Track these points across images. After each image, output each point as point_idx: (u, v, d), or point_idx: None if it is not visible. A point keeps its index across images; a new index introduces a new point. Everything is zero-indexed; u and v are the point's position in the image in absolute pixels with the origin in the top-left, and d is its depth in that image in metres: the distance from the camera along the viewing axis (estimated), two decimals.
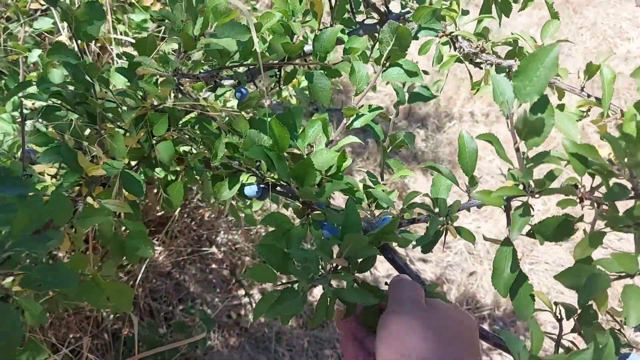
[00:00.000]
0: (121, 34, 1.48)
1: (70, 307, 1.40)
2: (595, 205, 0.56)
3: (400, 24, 0.62)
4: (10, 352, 0.45)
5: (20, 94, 0.85)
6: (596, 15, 3.49)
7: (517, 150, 0.57)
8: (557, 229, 0.58)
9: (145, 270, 1.49)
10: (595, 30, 3.40)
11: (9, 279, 0.96)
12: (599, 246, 0.56)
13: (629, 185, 0.53)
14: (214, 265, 1.65)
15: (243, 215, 1.56)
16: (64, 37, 1.07)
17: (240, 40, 0.65)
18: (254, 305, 1.62)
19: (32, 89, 0.82)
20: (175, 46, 1.21)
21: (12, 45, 1.05)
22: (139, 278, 1.38)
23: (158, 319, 1.50)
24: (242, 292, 1.66)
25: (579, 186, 0.56)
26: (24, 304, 0.60)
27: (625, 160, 0.52)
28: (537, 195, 0.55)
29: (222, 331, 1.58)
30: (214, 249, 1.65)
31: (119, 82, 0.87)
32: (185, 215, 1.64)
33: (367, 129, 0.78)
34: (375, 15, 0.93)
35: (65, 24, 0.87)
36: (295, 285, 0.51)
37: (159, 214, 1.50)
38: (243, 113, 0.69)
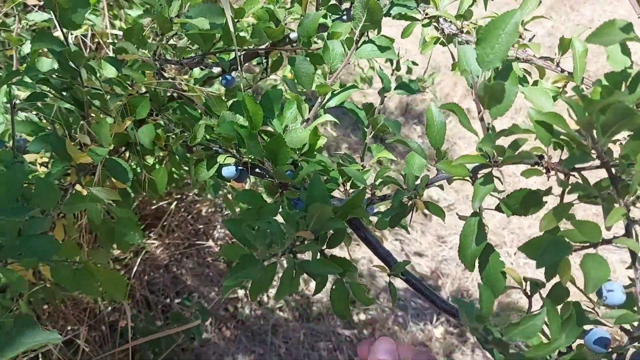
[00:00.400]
0: (119, 29, 1.51)
1: (67, 298, 1.43)
2: (563, 176, 0.57)
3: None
4: None
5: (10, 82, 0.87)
6: (593, 12, 3.49)
7: (481, 119, 0.58)
8: (523, 201, 0.59)
9: (142, 263, 1.51)
10: (593, 27, 3.40)
11: None
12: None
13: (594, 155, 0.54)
14: (210, 259, 1.67)
15: (238, 210, 1.58)
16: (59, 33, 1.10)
17: (216, 23, 0.67)
18: (250, 299, 1.64)
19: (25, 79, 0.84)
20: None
21: (6, 37, 1.08)
22: (134, 270, 1.40)
23: (155, 312, 1.52)
24: None
25: (545, 156, 0.57)
26: (4, 272, 0.62)
27: (586, 123, 0.52)
28: (500, 165, 0.56)
29: (219, 324, 1.59)
30: (210, 243, 1.67)
31: (110, 72, 0.89)
32: (182, 210, 1.66)
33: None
34: None
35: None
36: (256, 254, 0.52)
37: (154, 207, 1.52)
38: (222, 96, 0.70)
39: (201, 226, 1.69)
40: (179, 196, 1.58)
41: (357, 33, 0.66)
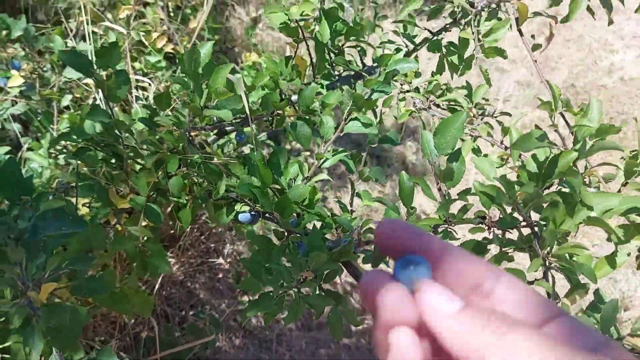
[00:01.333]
0: (140, 72, 1.69)
1: (98, 314, 1.61)
2: (500, 232, 0.75)
3: (354, 91, 0.82)
4: (73, 341, 0.65)
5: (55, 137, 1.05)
6: (583, 27, 3.65)
7: (439, 189, 0.76)
8: (473, 249, 0.77)
9: (161, 280, 1.68)
10: (582, 42, 3.57)
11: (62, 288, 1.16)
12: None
13: (521, 218, 0.72)
14: (220, 275, 1.84)
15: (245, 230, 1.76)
16: (98, 99, 1.28)
17: (236, 108, 0.85)
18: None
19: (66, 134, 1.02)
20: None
21: (48, 94, 1.26)
22: (156, 287, 1.58)
23: (173, 323, 1.70)
24: (245, 298, 1.86)
25: (487, 217, 0.75)
26: (75, 307, 0.80)
27: (517, 196, 0.71)
28: (454, 225, 0.74)
29: (229, 333, 1.77)
30: (220, 260, 1.85)
31: (141, 127, 1.07)
32: (195, 230, 1.84)
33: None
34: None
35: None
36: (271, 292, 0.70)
37: (172, 231, 1.70)
38: (236, 160, 0.88)
39: (212, 244, 1.87)
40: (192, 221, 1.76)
41: (345, 113, 0.84)
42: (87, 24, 1.41)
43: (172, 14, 1.70)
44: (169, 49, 1.64)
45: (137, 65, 1.73)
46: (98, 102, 1.26)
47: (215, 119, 0.99)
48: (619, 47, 3.50)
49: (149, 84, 1.56)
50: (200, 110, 0.84)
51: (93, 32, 1.48)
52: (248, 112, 0.83)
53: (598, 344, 0.26)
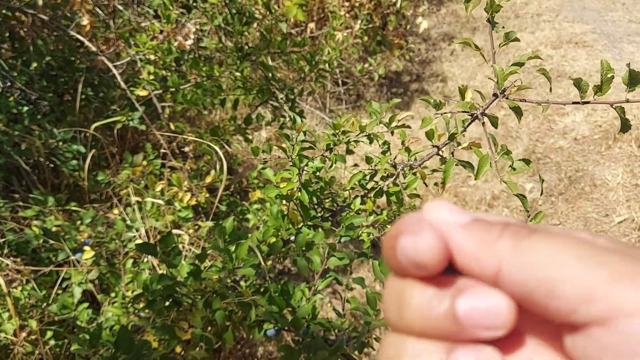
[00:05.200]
0: (172, 223, 2.16)
1: None
2: None
3: (330, 241, 1.27)
4: None
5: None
6: (537, 96, 4.18)
7: None
8: None
9: None
10: (537, 110, 4.08)
11: None
12: None
13: None
14: None
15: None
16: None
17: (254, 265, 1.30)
18: None
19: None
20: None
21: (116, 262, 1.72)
22: None
23: None
24: None
25: None
26: None
27: None
28: None
29: None
30: None
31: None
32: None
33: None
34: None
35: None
36: None
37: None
38: (259, 295, 1.31)
39: (247, 349, 2.26)
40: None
41: (325, 254, 1.28)
42: (131, 195, 1.91)
43: (192, 174, 2.20)
44: (193, 202, 2.12)
45: (170, 217, 2.21)
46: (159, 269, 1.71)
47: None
48: (569, 110, 4.01)
49: (182, 233, 2.03)
50: (232, 270, 1.29)
51: (137, 201, 1.97)
52: (263, 264, 1.28)
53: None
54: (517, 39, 0.95)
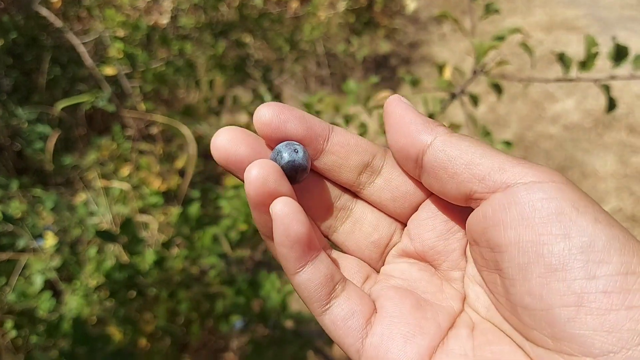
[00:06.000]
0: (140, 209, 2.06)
1: None
2: None
3: None
4: None
5: None
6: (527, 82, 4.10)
7: None
8: None
9: None
10: (526, 97, 4.01)
11: None
12: None
13: None
14: None
15: None
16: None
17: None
18: None
19: None
20: None
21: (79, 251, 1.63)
22: None
23: None
24: None
25: None
26: None
27: None
28: None
29: None
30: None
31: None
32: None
33: None
34: None
35: None
36: None
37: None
38: (227, 286, 1.23)
39: (221, 339, 2.19)
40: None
41: None
42: (98, 180, 1.81)
43: (162, 157, 2.10)
44: (163, 188, 2.03)
45: (138, 203, 2.11)
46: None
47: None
48: (560, 96, 3.94)
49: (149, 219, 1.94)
50: (196, 259, 1.20)
51: (104, 187, 1.87)
52: (230, 252, 1.20)
53: None
54: (497, 11, 0.87)
